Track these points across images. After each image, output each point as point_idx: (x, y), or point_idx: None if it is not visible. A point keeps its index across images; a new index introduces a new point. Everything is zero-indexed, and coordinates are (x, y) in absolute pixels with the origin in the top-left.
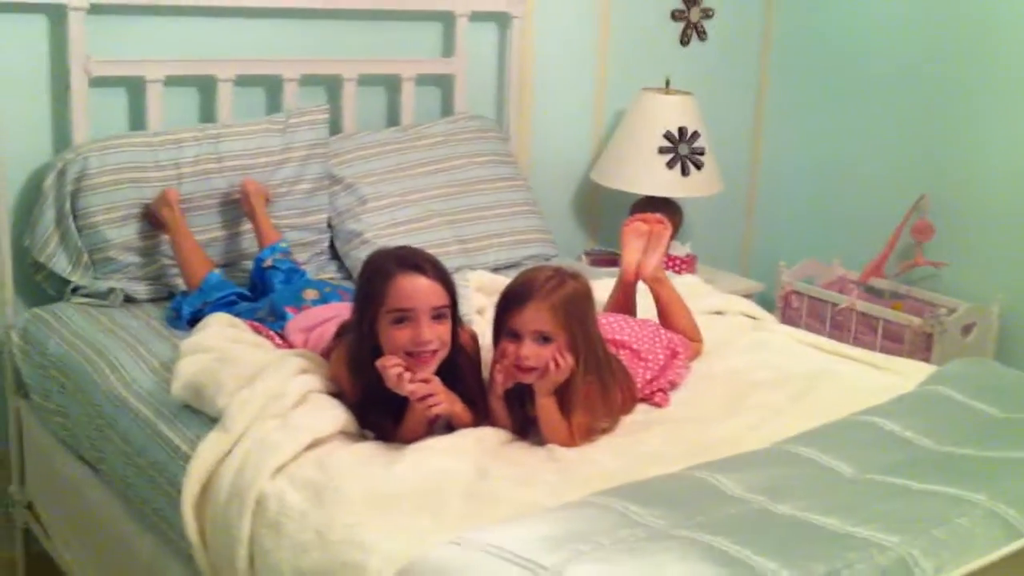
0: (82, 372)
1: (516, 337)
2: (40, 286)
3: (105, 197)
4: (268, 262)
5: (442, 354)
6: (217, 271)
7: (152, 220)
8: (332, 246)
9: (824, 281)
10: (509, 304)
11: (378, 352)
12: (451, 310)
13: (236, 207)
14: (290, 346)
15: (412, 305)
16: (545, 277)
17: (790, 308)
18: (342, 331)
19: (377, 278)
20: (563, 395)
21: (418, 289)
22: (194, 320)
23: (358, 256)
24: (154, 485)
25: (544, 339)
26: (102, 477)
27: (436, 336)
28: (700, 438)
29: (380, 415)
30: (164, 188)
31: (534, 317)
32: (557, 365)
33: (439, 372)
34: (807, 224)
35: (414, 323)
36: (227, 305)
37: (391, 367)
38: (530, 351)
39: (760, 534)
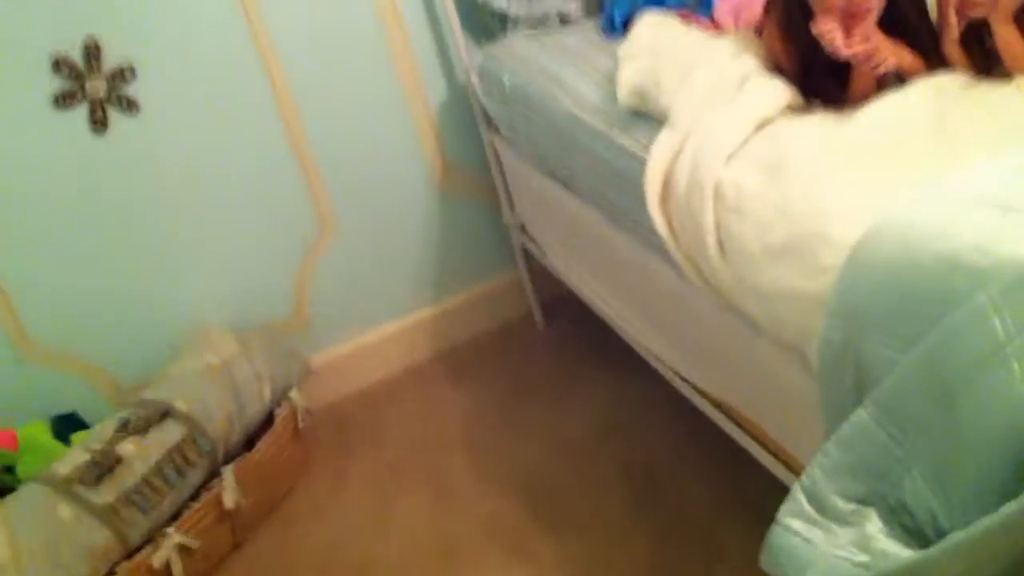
0: (537, 98)
1: None
2: (485, 25)
3: None
4: None
5: (879, 5)
6: None
7: None
8: None
9: None
10: None
11: (810, 14)
12: None
13: None
14: (721, 30)
15: None
16: None
17: None
18: (771, 2)
19: None
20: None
21: None
22: (627, 25)
23: None
24: (620, 190)
25: None
26: (575, 191)
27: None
28: None
29: (824, 82)
30: None
31: None
32: None
33: (880, 23)
34: None
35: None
36: (656, 2)
37: (826, 31)
38: None
39: None
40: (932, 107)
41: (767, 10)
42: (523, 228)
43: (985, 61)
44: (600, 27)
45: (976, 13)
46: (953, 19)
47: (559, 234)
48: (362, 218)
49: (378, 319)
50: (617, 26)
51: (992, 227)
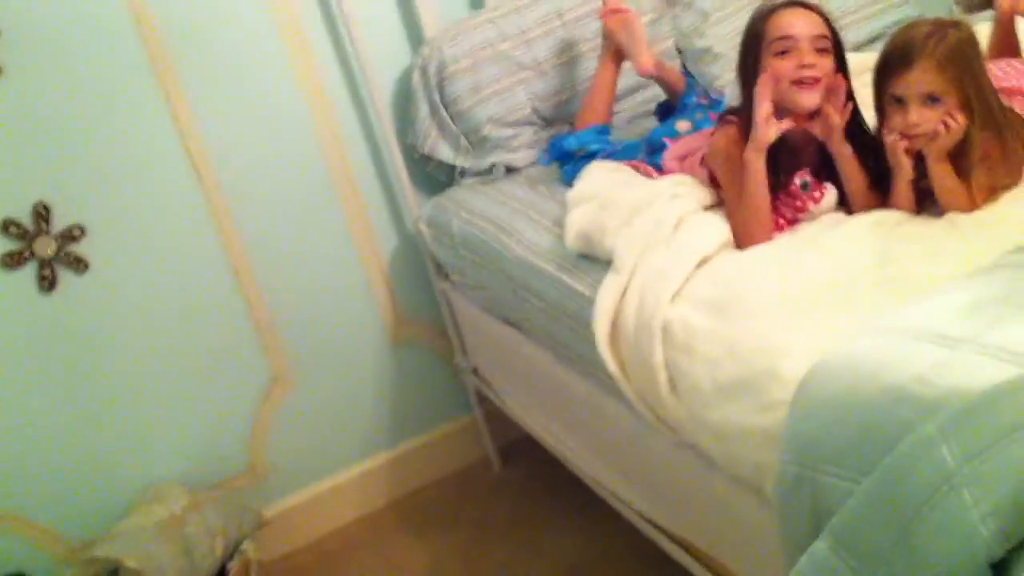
0: (486, 246)
1: (900, 103)
2: (432, 176)
3: (467, 82)
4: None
5: (824, 84)
6: (609, 125)
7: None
8: (685, 70)
9: None
10: (889, 69)
11: None
12: (834, 50)
13: (591, 59)
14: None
15: (792, 32)
16: (925, 33)
17: None
18: (724, 116)
19: (758, 20)
20: (958, 157)
21: (798, 18)
22: (561, 157)
23: (711, 72)
24: (573, 333)
25: (932, 100)
26: (527, 334)
27: (818, 62)
28: None
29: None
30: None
31: (919, 79)
32: (947, 127)
33: (825, 159)
34: None
35: (796, 52)
36: (590, 156)
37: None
38: (919, 116)
39: None
40: (872, 243)
41: (721, 119)
42: (476, 372)
43: (920, 195)
44: (540, 161)
45: (914, 146)
46: (906, 161)
47: (513, 376)
48: (316, 369)
49: (333, 468)
50: (551, 154)
51: (934, 360)
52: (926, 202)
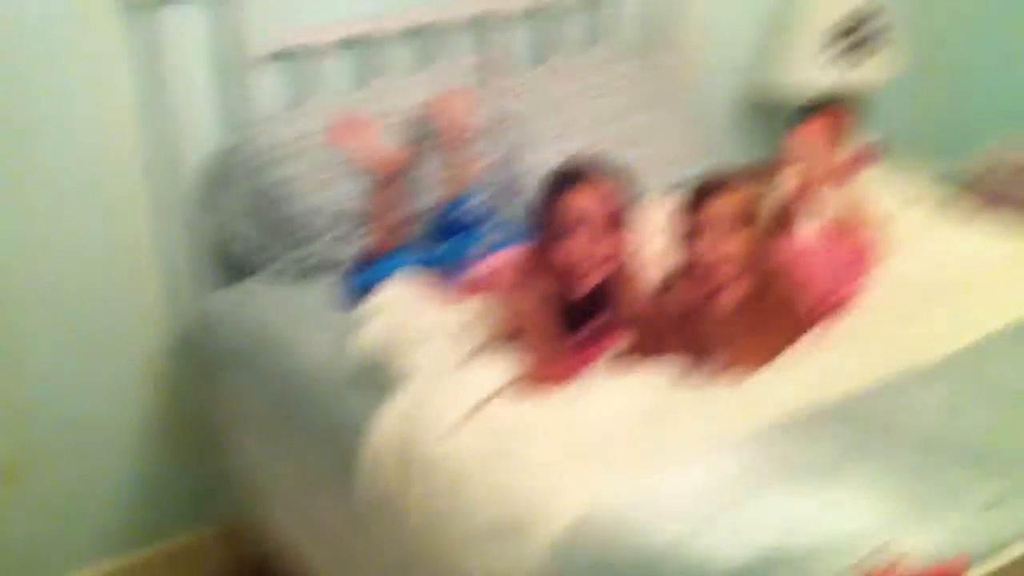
0: (263, 351)
1: (696, 235)
2: (227, 265)
3: (289, 168)
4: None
5: (608, 267)
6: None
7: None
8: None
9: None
10: (692, 203)
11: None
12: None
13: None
14: (467, 296)
15: (567, 220)
16: (725, 176)
17: (985, 196)
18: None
19: (538, 199)
20: (738, 315)
21: (572, 206)
22: (364, 290)
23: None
24: (339, 458)
25: (732, 226)
26: (289, 445)
27: (604, 250)
28: (883, 351)
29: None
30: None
31: (723, 203)
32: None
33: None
34: (1002, 99)
35: (573, 236)
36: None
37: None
38: (713, 242)
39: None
40: (641, 400)
41: None
42: (232, 481)
43: (697, 349)
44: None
45: (714, 280)
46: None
47: (270, 489)
48: (50, 458)
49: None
50: (350, 293)
51: (690, 528)
52: (704, 359)
